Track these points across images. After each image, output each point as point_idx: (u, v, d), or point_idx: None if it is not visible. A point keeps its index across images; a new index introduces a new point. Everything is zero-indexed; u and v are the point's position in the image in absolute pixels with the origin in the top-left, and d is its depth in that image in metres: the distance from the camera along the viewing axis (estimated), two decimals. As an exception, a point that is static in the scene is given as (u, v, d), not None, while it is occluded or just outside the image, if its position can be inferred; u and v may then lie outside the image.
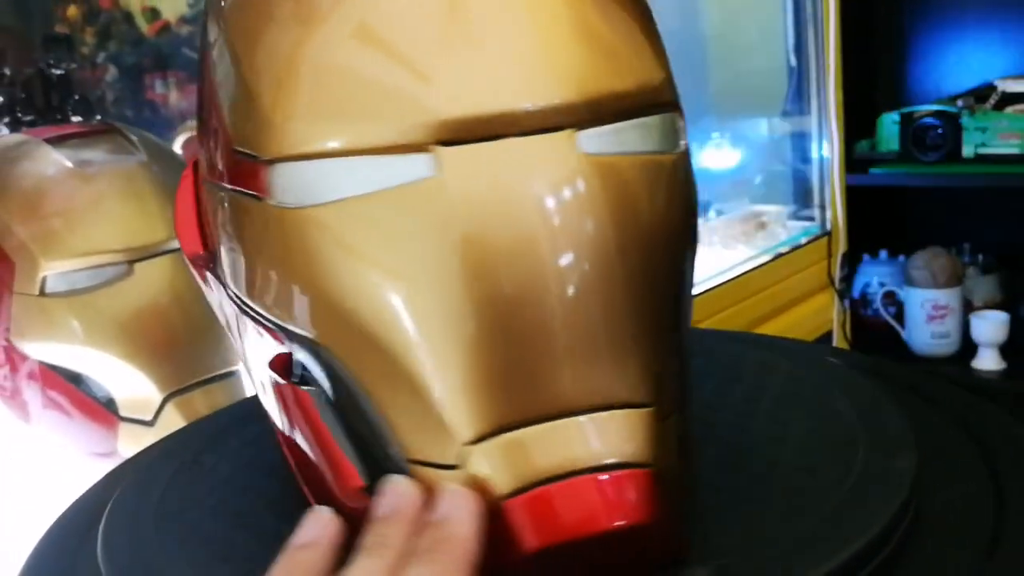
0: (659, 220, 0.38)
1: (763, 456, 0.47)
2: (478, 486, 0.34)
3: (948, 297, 2.15)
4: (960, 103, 2.07)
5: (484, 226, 0.34)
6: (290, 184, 0.36)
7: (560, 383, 0.35)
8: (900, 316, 2.26)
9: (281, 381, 0.40)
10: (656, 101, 0.38)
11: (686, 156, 0.41)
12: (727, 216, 1.63)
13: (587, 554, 0.34)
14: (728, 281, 1.42)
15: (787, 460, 0.47)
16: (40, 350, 0.84)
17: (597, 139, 0.36)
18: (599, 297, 0.35)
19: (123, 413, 0.84)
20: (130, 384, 0.83)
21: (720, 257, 1.50)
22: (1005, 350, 2.19)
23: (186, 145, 1.59)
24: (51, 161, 0.87)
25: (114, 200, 0.85)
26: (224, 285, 0.43)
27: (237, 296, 0.41)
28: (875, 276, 2.31)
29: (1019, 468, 0.46)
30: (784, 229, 1.64)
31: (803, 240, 1.64)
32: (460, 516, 0.34)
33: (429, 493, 0.35)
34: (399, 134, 0.35)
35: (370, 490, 0.37)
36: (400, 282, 0.35)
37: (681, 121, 0.41)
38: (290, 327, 0.38)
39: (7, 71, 1.21)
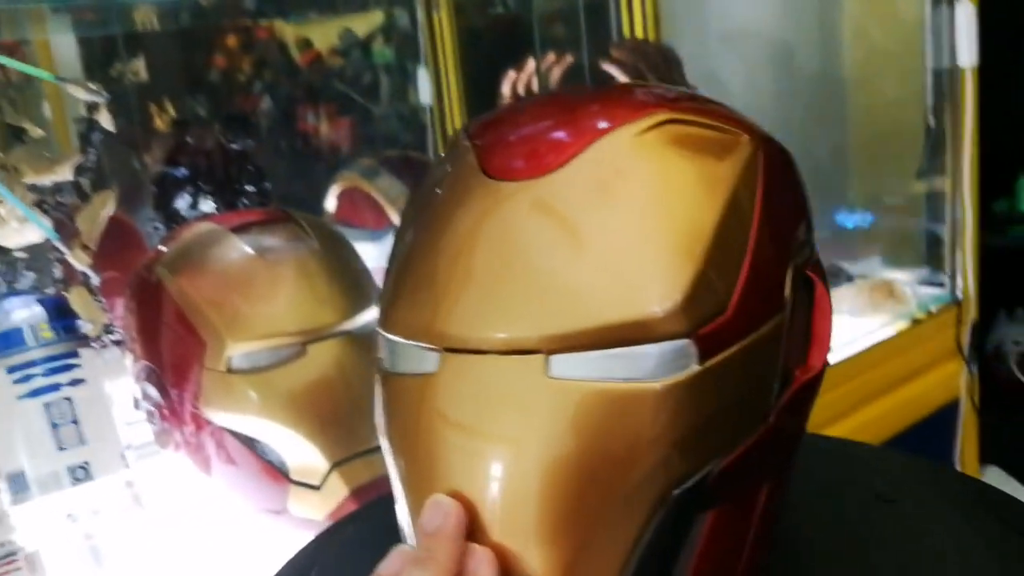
0: (618, 447, 0.43)
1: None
2: None
3: (1085, 361, 2.10)
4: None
5: (459, 419, 0.44)
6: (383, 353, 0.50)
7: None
8: (1035, 377, 2.21)
9: None
10: (651, 333, 0.42)
11: (691, 382, 0.43)
12: (856, 283, 1.65)
13: None
14: (857, 353, 1.43)
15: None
16: (223, 418, 0.93)
17: (566, 364, 0.43)
18: (526, 502, 0.43)
19: (293, 477, 0.92)
20: (300, 452, 0.92)
21: (848, 325, 1.52)
22: None
23: (342, 196, 1.68)
24: (236, 248, 0.97)
25: (291, 286, 0.94)
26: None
27: None
28: (1010, 335, 2.27)
29: None
30: (914, 297, 1.64)
31: (933, 308, 1.63)
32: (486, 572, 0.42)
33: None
34: (425, 337, 0.46)
35: None
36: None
37: (693, 347, 0.43)
38: None
39: (190, 141, 1.33)
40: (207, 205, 1.27)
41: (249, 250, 0.96)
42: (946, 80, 1.76)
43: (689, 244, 0.43)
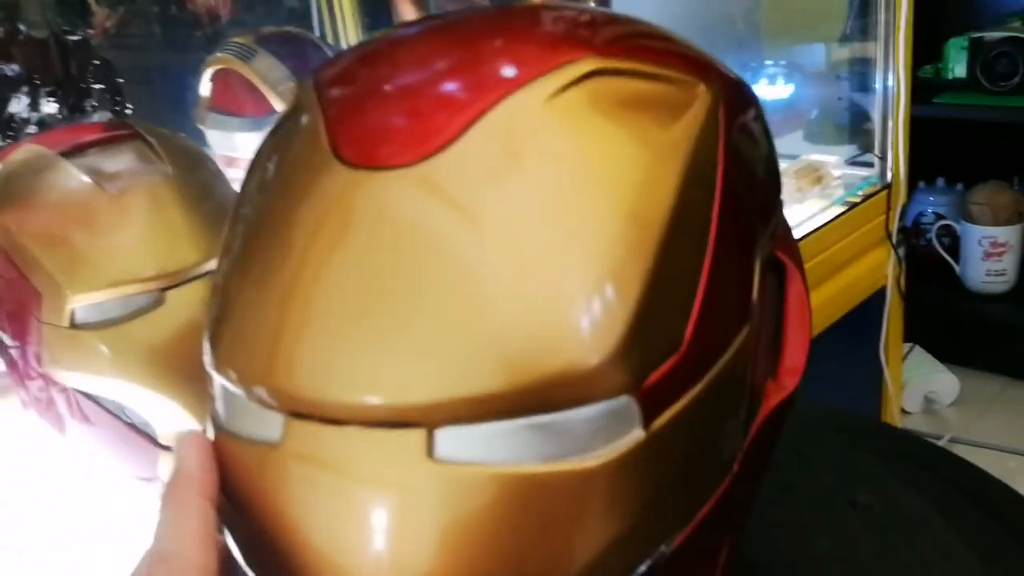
0: (536, 552, 0.31)
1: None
2: None
3: (1008, 234, 2.07)
4: (1035, 29, 1.94)
5: (309, 523, 0.31)
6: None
7: None
8: (954, 250, 2.18)
9: None
10: (579, 391, 0.30)
11: (636, 452, 0.31)
12: (781, 170, 1.55)
13: None
14: (784, 248, 1.34)
15: None
16: (74, 379, 0.80)
17: (458, 441, 0.30)
18: None
19: (163, 442, 0.81)
20: (167, 415, 0.80)
21: (775, 217, 1.43)
22: (1063, 289, 2.13)
23: (215, 79, 1.51)
24: (70, 177, 0.81)
25: (141, 221, 0.80)
26: None
27: None
28: (930, 206, 2.23)
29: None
30: (842, 181, 1.55)
31: (861, 193, 1.55)
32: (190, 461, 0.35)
33: None
34: (269, 397, 0.32)
35: None
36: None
37: (635, 405, 0.31)
38: None
39: (23, 31, 1.14)
40: (49, 107, 1.09)
41: (86, 179, 0.80)
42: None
43: (629, 257, 0.30)
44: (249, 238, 0.35)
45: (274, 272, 0.32)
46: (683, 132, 0.33)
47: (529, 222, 0.30)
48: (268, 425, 0.32)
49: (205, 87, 1.52)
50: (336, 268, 0.31)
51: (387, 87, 0.34)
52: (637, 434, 0.31)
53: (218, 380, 0.35)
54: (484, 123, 0.31)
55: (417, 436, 0.30)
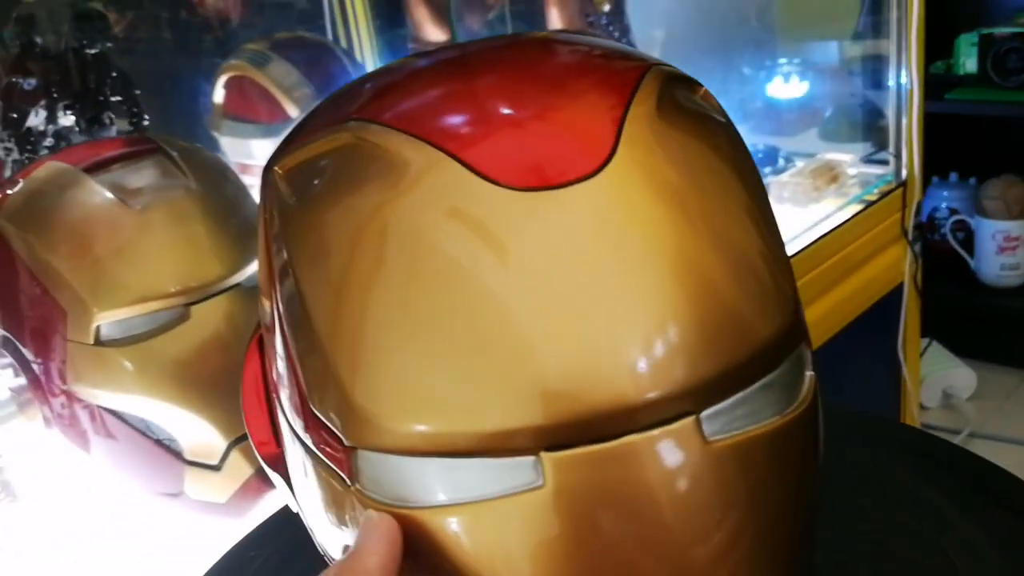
0: (793, 483, 0.34)
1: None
2: None
3: (1021, 228, 2.07)
4: (1047, 25, 1.94)
5: (599, 540, 0.30)
6: (376, 477, 0.32)
7: None
8: (969, 244, 2.18)
9: None
10: (785, 346, 0.34)
11: (812, 397, 0.35)
12: (797, 169, 1.55)
13: None
14: (802, 249, 1.34)
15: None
16: (98, 397, 0.80)
17: (721, 418, 0.31)
18: None
19: (188, 457, 0.81)
20: (193, 431, 0.80)
21: (793, 218, 1.43)
22: (1077, 282, 2.13)
23: (229, 85, 1.51)
24: (94, 193, 0.81)
25: (165, 237, 0.80)
26: (297, 503, 0.40)
27: (313, 532, 0.39)
28: (944, 201, 2.22)
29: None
30: (857, 179, 1.54)
31: (876, 192, 1.54)
32: (372, 545, 0.31)
33: None
34: (500, 437, 0.30)
35: None
36: None
37: (808, 350, 0.36)
38: None
39: (39, 43, 1.14)
40: (66, 120, 1.09)
41: (109, 195, 0.80)
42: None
43: (771, 222, 0.36)
44: (380, 279, 0.32)
45: (478, 295, 0.30)
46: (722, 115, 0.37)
47: (714, 223, 0.32)
48: (514, 473, 0.31)
49: (219, 94, 1.52)
50: (559, 275, 0.30)
51: (499, 130, 0.33)
52: (809, 377, 0.35)
53: (409, 459, 0.32)
54: (625, 141, 0.32)
55: (689, 423, 0.30)
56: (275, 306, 0.37)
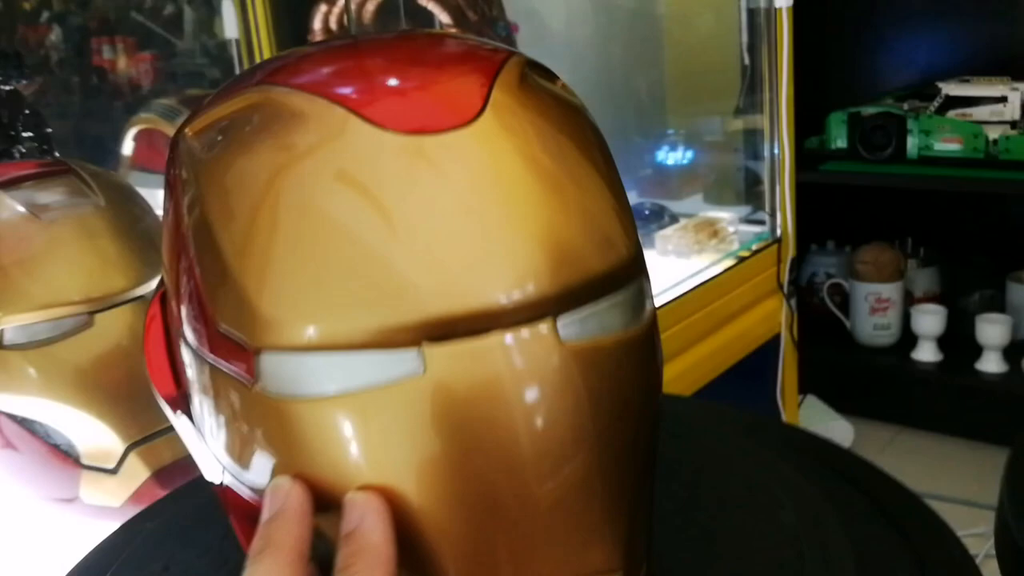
0: (630, 392, 0.39)
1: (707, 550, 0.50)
2: None
3: (891, 291, 2.22)
4: (906, 105, 2.11)
5: (470, 423, 0.35)
6: (277, 374, 0.37)
7: (543, 561, 0.37)
8: (845, 307, 2.32)
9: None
10: (624, 275, 0.40)
11: (652, 321, 0.42)
12: (681, 224, 1.66)
13: None
14: (683, 294, 1.44)
15: (732, 556, 0.50)
16: (1, 400, 0.82)
17: (574, 325, 0.37)
18: (578, 481, 0.37)
19: (85, 461, 0.83)
20: (91, 434, 0.82)
21: (675, 267, 1.53)
22: (943, 342, 2.27)
23: (139, 137, 1.55)
24: (5, 207, 0.85)
25: (72, 248, 0.84)
26: (200, 433, 0.44)
27: (219, 458, 0.42)
28: (822, 267, 2.37)
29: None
30: (736, 235, 1.66)
31: (754, 247, 1.66)
32: (370, 523, 0.35)
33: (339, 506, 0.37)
34: (386, 332, 0.35)
35: None
36: (383, 479, 0.36)
37: (647, 284, 0.42)
38: None
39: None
40: (-23, 155, 1.12)
41: (20, 208, 0.84)
42: (761, 19, 1.78)
43: (617, 181, 0.42)
44: (292, 209, 0.37)
45: (376, 220, 0.36)
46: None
47: (577, 167, 0.39)
48: (398, 363, 0.36)
49: (127, 146, 1.56)
50: (448, 197, 0.36)
51: (388, 82, 0.40)
52: (650, 307, 0.42)
53: (308, 355, 0.37)
54: (495, 98, 0.39)
55: (547, 324, 0.36)
56: (183, 250, 0.42)
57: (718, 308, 1.51)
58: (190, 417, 0.45)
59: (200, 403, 0.43)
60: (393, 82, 0.40)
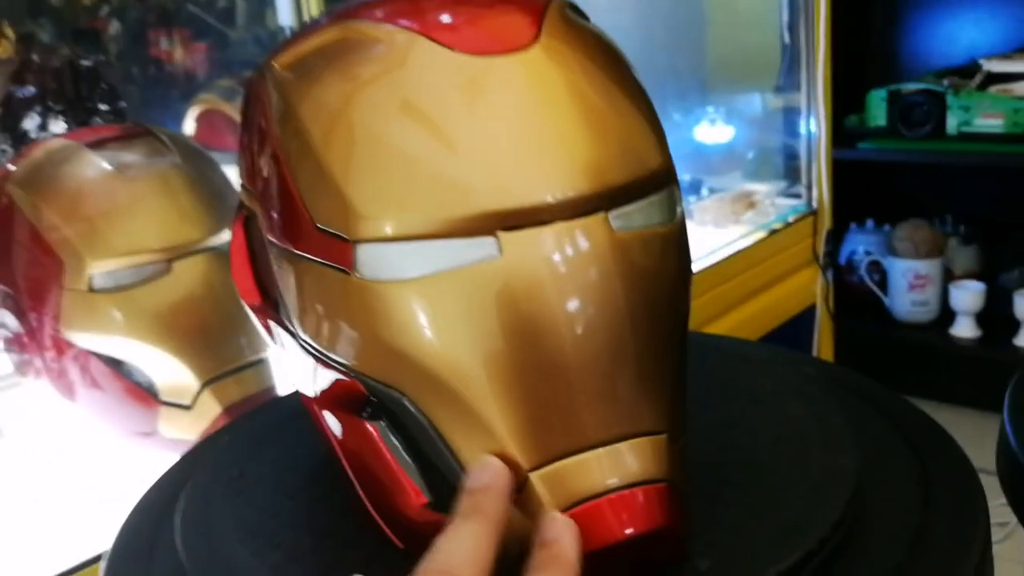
0: (666, 278, 0.46)
1: (736, 461, 0.55)
2: (536, 505, 0.42)
3: (929, 267, 2.24)
4: (946, 82, 2.13)
5: (539, 297, 0.42)
6: (374, 262, 0.43)
7: (598, 419, 0.43)
8: (884, 284, 2.34)
9: (352, 416, 0.48)
10: (661, 180, 0.46)
11: (683, 222, 0.49)
12: (718, 195, 1.71)
13: (624, 553, 0.43)
14: (720, 261, 1.49)
15: (756, 463, 0.55)
16: (86, 340, 0.90)
17: (621, 219, 0.44)
18: (630, 347, 0.44)
19: (163, 398, 0.91)
20: (170, 372, 0.90)
21: (712, 236, 1.58)
22: (981, 318, 2.29)
23: (201, 118, 1.63)
24: (92, 164, 0.94)
25: (152, 201, 0.92)
26: (294, 334, 0.50)
27: (312, 346, 0.48)
28: (861, 244, 2.39)
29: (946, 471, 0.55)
30: (773, 207, 1.71)
31: (790, 219, 1.71)
32: (568, 540, 0.41)
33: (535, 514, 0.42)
34: (468, 223, 0.42)
35: (433, 505, 0.45)
36: (471, 346, 0.43)
37: (678, 192, 0.48)
38: (371, 379, 0.45)
39: (36, 59, 1.26)
40: (58, 126, 1.21)
41: (107, 165, 0.92)
42: (800, -2, 1.82)
43: (648, 104, 0.48)
44: (381, 118, 0.44)
45: (450, 129, 0.43)
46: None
47: (616, 85, 0.47)
48: (477, 249, 0.42)
49: (190, 126, 1.65)
50: (511, 111, 0.43)
51: (456, 13, 0.47)
52: (680, 212, 0.48)
53: (398, 244, 0.43)
54: (546, 27, 0.46)
55: (601, 216, 0.43)
56: (276, 165, 0.48)
57: (753, 277, 1.56)
58: (278, 320, 0.52)
59: (293, 298, 0.49)
60: (456, 14, 0.47)
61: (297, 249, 0.47)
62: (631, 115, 0.46)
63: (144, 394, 0.92)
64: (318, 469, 0.59)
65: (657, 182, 0.46)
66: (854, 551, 0.48)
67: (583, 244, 0.43)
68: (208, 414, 0.91)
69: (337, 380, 0.47)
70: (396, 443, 0.46)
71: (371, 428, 0.47)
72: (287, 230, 0.47)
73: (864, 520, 0.50)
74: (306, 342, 0.48)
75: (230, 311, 0.91)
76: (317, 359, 0.48)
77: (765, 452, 0.56)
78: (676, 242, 0.47)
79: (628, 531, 0.42)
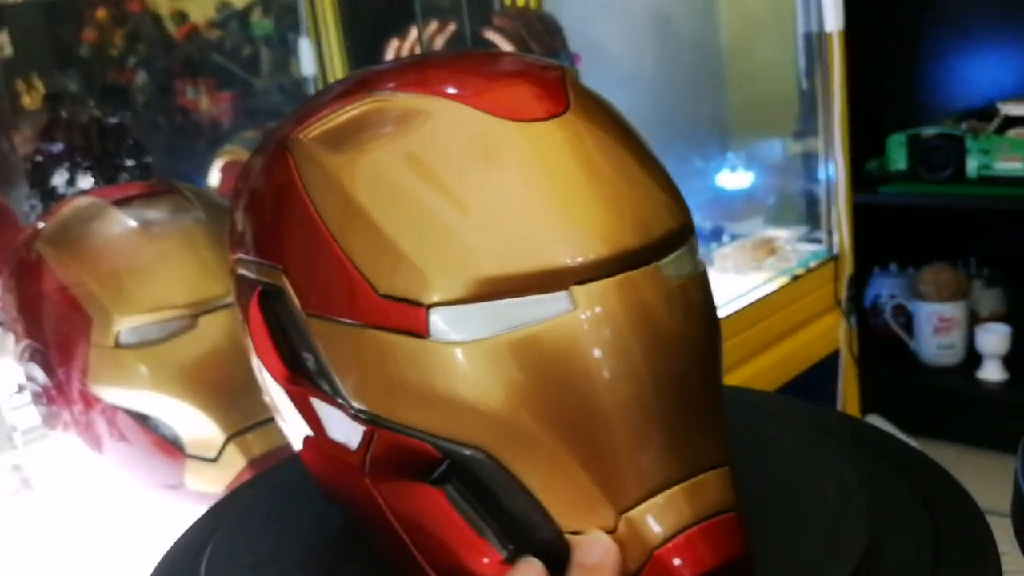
0: (710, 318, 0.49)
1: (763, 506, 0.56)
2: (633, 541, 0.44)
3: (954, 310, 2.23)
4: (964, 126, 2.13)
5: (614, 345, 0.44)
6: (449, 324, 0.44)
7: (675, 457, 0.45)
8: (909, 327, 2.33)
9: (414, 482, 0.48)
10: (688, 231, 0.49)
11: (705, 268, 0.51)
12: (739, 242, 1.71)
13: None
14: (742, 308, 1.49)
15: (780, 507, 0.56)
16: (113, 395, 0.91)
17: (668, 267, 0.47)
18: (691, 387, 0.46)
19: (189, 451, 0.92)
20: (195, 425, 0.91)
21: (733, 283, 1.58)
22: (1008, 361, 2.27)
23: (225, 169, 1.66)
24: (118, 222, 0.95)
25: (177, 257, 0.93)
26: (342, 405, 0.49)
27: (372, 414, 0.48)
28: (885, 288, 2.39)
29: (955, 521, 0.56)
30: (794, 253, 1.71)
31: (812, 264, 1.71)
32: (611, 564, 0.43)
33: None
34: (541, 279, 0.44)
35: (510, 560, 0.46)
36: (552, 398, 0.44)
37: (696, 240, 0.51)
38: (447, 440, 0.46)
39: (64, 116, 1.29)
40: (86, 181, 1.23)
41: (133, 223, 0.94)
42: (815, 44, 1.83)
43: (661, 163, 0.51)
44: (429, 185, 0.46)
45: (503, 192, 0.45)
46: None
47: (640, 150, 0.50)
48: (552, 303, 0.44)
49: (214, 177, 1.67)
50: (560, 174, 0.46)
51: (489, 84, 0.48)
52: (700, 258, 0.51)
53: (467, 305, 0.44)
54: (571, 96, 0.49)
55: (655, 267, 0.46)
56: (319, 239, 0.48)
57: (775, 323, 1.56)
58: (317, 393, 0.50)
59: (348, 369, 0.48)
60: (484, 82, 0.49)
61: (356, 320, 0.47)
62: (658, 173, 0.49)
63: (170, 447, 0.92)
64: (343, 527, 0.59)
65: (685, 233, 0.49)
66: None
67: (645, 292, 0.45)
68: (233, 467, 0.91)
69: (400, 447, 0.47)
70: (465, 504, 0.47)
71: (438, 491, 0.47)
72: (342, 302, 0.47)
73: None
74: (363, 411, 0.48)
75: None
76: (377, 426, 0.48)
77: (779, 504, 0.56)
78: (706, 285, 0.50)
79: (718, 559, 0.44)
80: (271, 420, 0.91)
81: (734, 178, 1.99)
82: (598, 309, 0.44)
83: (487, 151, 0.46)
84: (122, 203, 0.97)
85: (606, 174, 0.46)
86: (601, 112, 0.49)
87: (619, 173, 0.46)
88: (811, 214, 1.91)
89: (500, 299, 0.44)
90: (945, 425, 2.23)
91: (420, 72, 0.50)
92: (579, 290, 0.44)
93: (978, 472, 2.21)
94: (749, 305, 1.50)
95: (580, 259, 0.44)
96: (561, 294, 0.44)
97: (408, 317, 0.45)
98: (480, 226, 0.44)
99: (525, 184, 0.45)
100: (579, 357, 0.44)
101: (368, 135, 0.48)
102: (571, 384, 0.44)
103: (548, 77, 0.49)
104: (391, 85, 0.49)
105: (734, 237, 1.79)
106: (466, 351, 0.44)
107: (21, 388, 1.00)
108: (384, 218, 0.46)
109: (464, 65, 0.51)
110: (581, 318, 0.44)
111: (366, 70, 0.53)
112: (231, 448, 0.91)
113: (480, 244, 0.44)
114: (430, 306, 0.44)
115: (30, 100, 1.59)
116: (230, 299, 0.92)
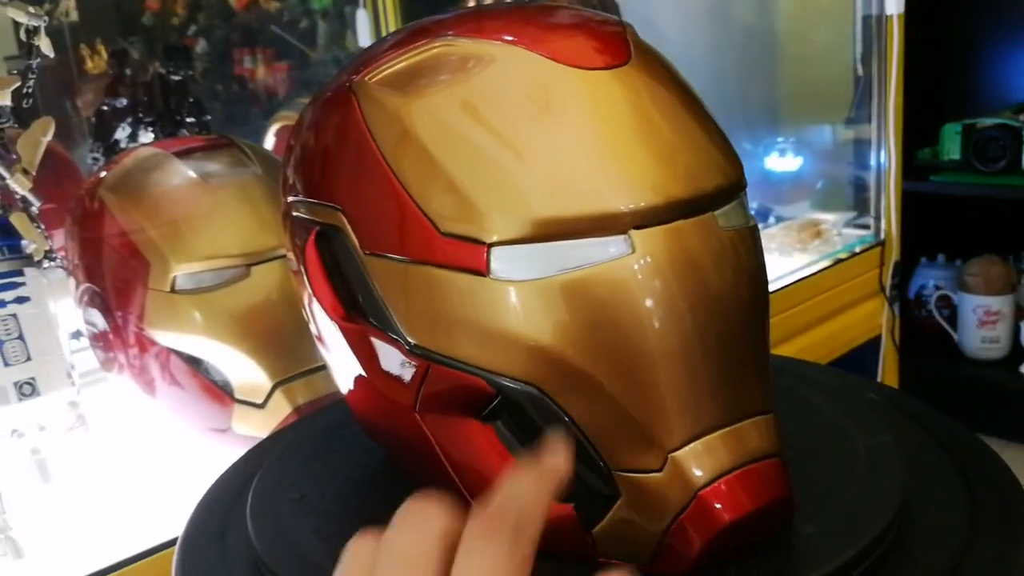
0: (760, 270, 0.50)
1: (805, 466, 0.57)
2: (678, 481, 0.45)
3: (1001, 304, 2.20)
4: (1022, 117, 2.10)
5: (670, 289, 0.45)
6: (510, 263, 0.46)
7: (724, 400, 0.46)
8: (953, 319, 2.31)
9: (465, 418, 0.49)
10: (741, 185, 0.50)
11: (756, 223, 0.52)
12: (785, 223, 1.71)
13: (751, 523, 0.46)
14: (784, 287, 1.49)
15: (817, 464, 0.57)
16: (167, 338, 0.95)
17: (722, 217, 0.48)
18: (742, 332, 0.47)
19: (238, 396, 0.95)
20: (244, 371, 0.95)
21: (777, 263, 1.58)
22: (1055, 358, 2.24)
23: (280, 133, 1.70)
24: (179, 172, 0.99)
25: (234, 209, 0.97)
26: (398, 342, 0.50)
27: (429, 351, 0.49)
28: (931, 279, 2.36)
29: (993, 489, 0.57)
30: (840, 237, 1.71)
31: (857, 249, 1.70)
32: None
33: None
34: (602, 222, 0.45)
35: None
36: (609, 339, 0.45)
37: (746, 199, 0.52)
38: (505, 376, 0.47)
39: (128, 73, 1.33)
40: (147, 136, 1.27)
41: (192, 174, 0.98)
42: (874, 27, 1.82)
43: (714, 120, 0.52)
44: (495, 129, 0.47)
45: (566, 137, 0.46)
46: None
47: (696, 102, 0.51)
48: (610, 247, 0.45)
49: (270, 141, 1.71)
50: (621, 121, 0.47)
51: (557, 35, 0.49)
52: (751, 217, 0.52)
53: (531, 244, 0.45)
54: (633, 48, 0.50)
55: (711, 216, 0.47)
56: (382, 177, 0.49)
57: (817, 304, 1.56)
58: (374, 331, 0.52)
59: (407, 306, 0.50)
60: (545, 30, 0.50)
61: (416, 258, 0.48)
62: (712, 130, 0.50)
63: (220, 392, 0.96)
64: (383, 466, 0.62)
65: (738, 187, 0.50)
66: (900, 557, 0.50)
67: (702, 239, 0.46)
68: (279, 413, 0.95)
69: (454, 382, 0.48)
70: (515, 440, 0.49)
71: (488, 428, 0.49)
72: (403, 240, 0.49)
73: (910, 529, 0.51)
74: (419, 346, 0.49)
75: (302, 316, 0.95)
76: (432, 362, 0.49)
77: (817, 461, 0.57)
78: (756, 238, 0.51)
79: (759, 502, 0.46)
80: (316, 370, 0.97)
81: (783, 162, 1.98)
82: (653, 254, 0.45)
83: (547, 97, 0.47)
84: (183, 155, 1.01)
85: (660, 127, 0.47)
86: (661, 68, 0.50)
87: (673, 127, 0.47)
88: (859, 200, 1.90)
89: (557, 240, 0.45)
90: (987, 419, 2.20)
91: (477, 21, 0.51)
92: (637, 235, 0.45)
93: (1020, 466, 2.20)
94: (791, 283, 1.51)
95: (632, 206, 0.45)
96: (620, 238, 0.45)
97: (469, 255, 0.46)
98: (538, 169, 0.46)
99: (582, 131, 0.46)
100: (635, 301, 0.45)
101: (432, 79, 0.49)
102: (627, 327, 0.45)
103: (608, 31, 0.50)
104: (450, 33, 0.50)
105: (780, 220, 1.79)
106: (523, 289, 0.46)
107: (78, 334, 1.04)
108: (446, 159, 0.47)
109: (522, 15, 0.52)
110: (637, 262, 0.45)
111: (421, 21, 0.54)
112: (278, 395, 0.95)
113: (538, 186, 0.45)
114: (491, 245, 0.45)
115: (92, 64, 1.64)
116: (283, 251, 0.96)
